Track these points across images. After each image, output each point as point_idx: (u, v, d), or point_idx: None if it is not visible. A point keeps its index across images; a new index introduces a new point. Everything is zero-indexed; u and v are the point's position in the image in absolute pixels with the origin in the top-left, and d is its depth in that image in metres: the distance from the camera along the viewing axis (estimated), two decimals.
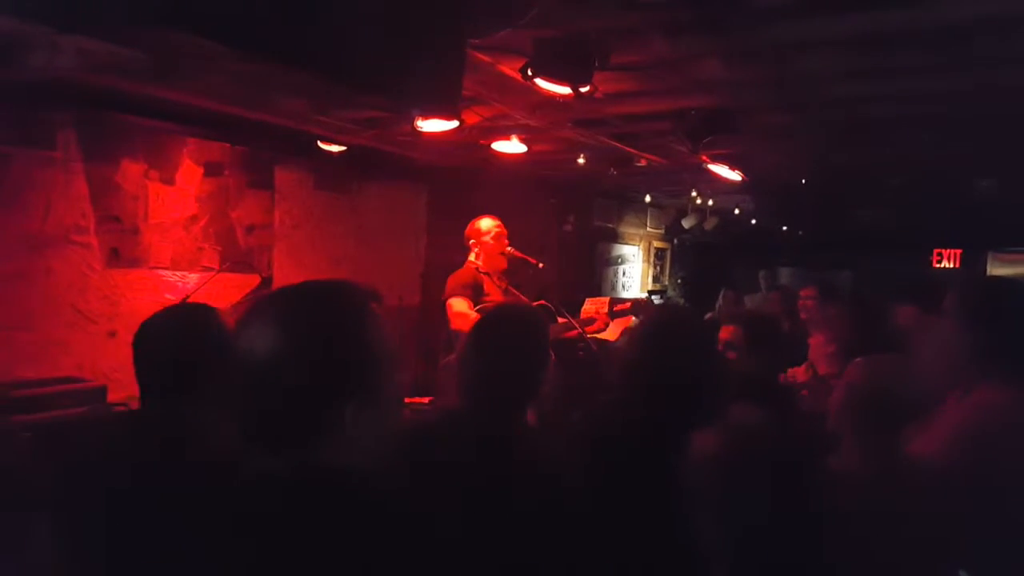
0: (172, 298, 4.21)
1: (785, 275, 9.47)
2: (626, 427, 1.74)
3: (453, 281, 3.82)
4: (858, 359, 1.97)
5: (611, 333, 4.16)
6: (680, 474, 1.30)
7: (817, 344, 4.62)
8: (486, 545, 1.36)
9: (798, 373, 4.53)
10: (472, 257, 3.97)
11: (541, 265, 4.06)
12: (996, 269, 9.38)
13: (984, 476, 1.68)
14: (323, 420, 1.05)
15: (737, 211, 8.49)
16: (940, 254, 9.76)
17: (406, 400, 5.12)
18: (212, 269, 4.53)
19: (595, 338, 4.02)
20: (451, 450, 1.56)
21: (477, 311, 3.59)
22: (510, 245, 3.99)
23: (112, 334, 4.16)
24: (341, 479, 1.03)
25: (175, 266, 4.51)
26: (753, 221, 8.84)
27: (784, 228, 9.39)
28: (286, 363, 1.02)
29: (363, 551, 0.99)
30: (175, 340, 1.68)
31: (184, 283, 4.49)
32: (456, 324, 3.63)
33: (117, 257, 4.22)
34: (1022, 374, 1.79)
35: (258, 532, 1.01)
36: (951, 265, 9.70)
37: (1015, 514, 1.64)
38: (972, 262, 9.51)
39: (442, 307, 3.80)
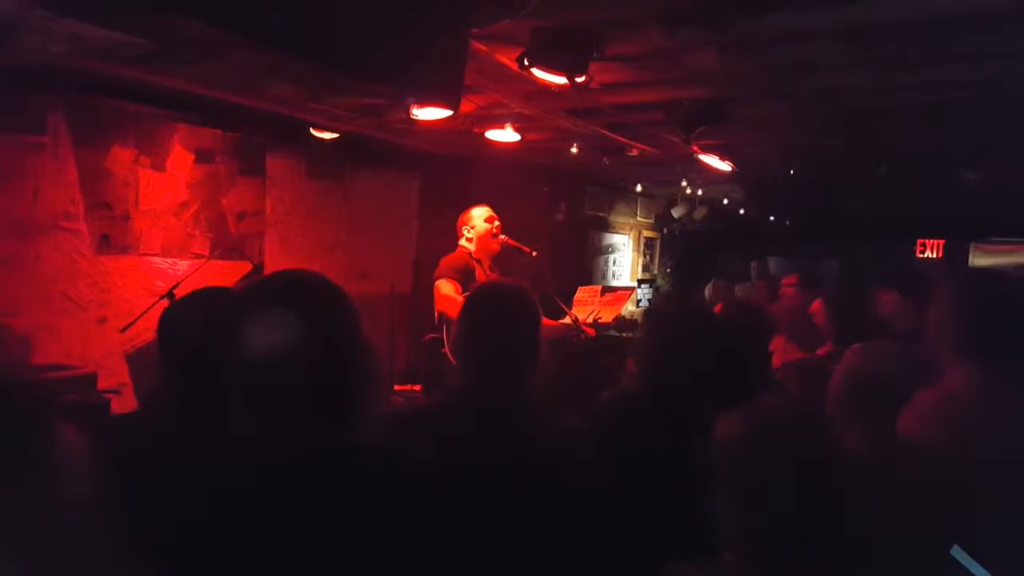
0: (162, 285, 4.18)
1: (774, 265, 9.52)
2: (646, 409, 1.82)
3: (445, 263, 3.83)
4: (855, 345, 2.04)
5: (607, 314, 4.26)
6: (702, 454, 1.33)
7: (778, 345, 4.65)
8: (492, 515, 1.42)
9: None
10: (463, 243, 3.98)
11: (535, 253, 4.07)
12: (978, 260, 9.48)
13: (958, 452, 1.76)
14: (349, 404, 1.11)
15: (726, 201, 8.54)
16: (923, 244, 9.86)
17: (397, 387, 5.15)
18: (202, 256, 4.51)
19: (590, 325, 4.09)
20: (453, 425, 1.59)
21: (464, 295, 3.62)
22: (503, 233, 4.00)
23: (102, 320, 4.11)
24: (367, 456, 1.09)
25: (165, 253, 4.48)
26: (741, 211, 8.89)
27: (771, 218, 9.45)
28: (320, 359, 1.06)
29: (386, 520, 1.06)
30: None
31: (174, 270, 4.46)
32: (440, 306, 3.66)
33: (107, 244, 4.18)
34: (995, 360, 1.88)
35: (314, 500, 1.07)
36: (934, 255, 9.81)
37: (987, 491, 1.71)
38: (954, 252, 9.61)
39: (431, 288, 3.81)
